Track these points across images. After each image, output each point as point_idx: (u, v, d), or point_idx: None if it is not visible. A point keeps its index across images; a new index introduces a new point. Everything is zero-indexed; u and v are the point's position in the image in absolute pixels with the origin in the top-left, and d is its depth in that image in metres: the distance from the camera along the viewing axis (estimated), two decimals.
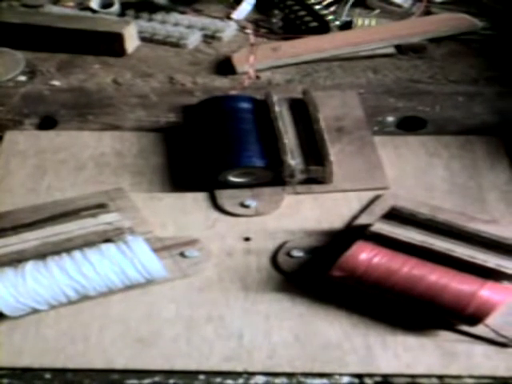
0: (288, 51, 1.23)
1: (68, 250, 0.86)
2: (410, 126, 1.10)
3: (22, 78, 1.20)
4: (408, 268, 0.83)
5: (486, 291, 0.80)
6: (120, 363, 0.81)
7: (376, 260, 0.84)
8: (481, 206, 0.97)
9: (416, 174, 1.02)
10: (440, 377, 0.80)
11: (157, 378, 0.80)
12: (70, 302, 0.85)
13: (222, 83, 1.19)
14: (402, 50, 1.25)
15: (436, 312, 0.82)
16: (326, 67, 1.22)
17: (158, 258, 0.86)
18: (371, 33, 1.27)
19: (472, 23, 1.27)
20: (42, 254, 0.86)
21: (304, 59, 1.22)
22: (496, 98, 1.14)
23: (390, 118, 1.11)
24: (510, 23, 1.29)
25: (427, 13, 1.32)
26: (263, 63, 1.20)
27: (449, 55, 1.24)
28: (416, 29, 1.27)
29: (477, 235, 0.87)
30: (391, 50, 1.24)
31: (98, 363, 0.81)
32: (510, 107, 1.12)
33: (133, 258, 0.84)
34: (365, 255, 0.85)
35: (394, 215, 0.90)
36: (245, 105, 1.05)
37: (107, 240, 0.87)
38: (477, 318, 0.80)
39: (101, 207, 0.93)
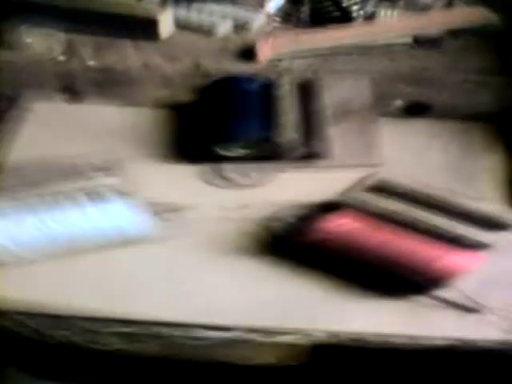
0: (309, 40, 1.29)
1: (63, 206, 0.95)
2: (415, 110, 1.16)
3: (61, 58, 1.27)
4: (379, 235, 0.90)
5: (454, 256, 0.87)
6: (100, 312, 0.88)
7: (351, 226, 0.91)
8: (470, 184, 1.02)
9: (414, 154, 1.07)
10: (412, 337, 0.85)
11: (136, 328, 0.87)
12: (61, 253, 0.92)
13: (242, 68, 1.25)
14: (419, 41, 1.30)
15: (407, 275, 0.87)
16: (345, 54, 1.27)
17: (143, 220, 0.95)
18: (391, 24, 1.33)
19: (488, 17, 1.31)
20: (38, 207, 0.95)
21: (324, 47, 1.28)
22: (501, 88, 1.18)
23: (398, 103, 1.17)
24: None
25: (449, 5, 1.37)
26: (285, 51, 1.27)
27: (463, 47, 1.29)
28: (434, 21, 1.32)
29: (456, 208, 0.94)
30: (408, 41, 1.30)
31: (79, 312, 0.88)
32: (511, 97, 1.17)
33: (118, 217, 0.94)
34: (336, 221, 0.92)
35: (380, 188, 0.98)
36: (253, 84, 1.13)
37: (102, 199, 0.96)
38: (441, 279, 0.86)
39: (103, 170, 1.01)
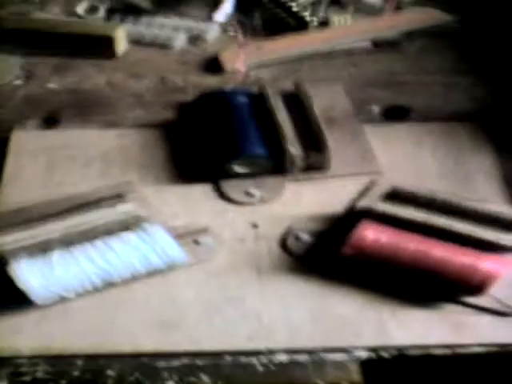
0: (271, 49, 1.27)
1: (90, 239, 0.89)
2: (395, 114, 1.15)
3: (18, 82, 1.21)
4: (414, 245, 0.88)
5: (488, 263, 0.85)
6: (148, 347, 0.84)
7: (383, 238, 0.88)
8: (469, 188, 1.02)
9: (404, 161, 1.06)
10: (450, 347, 0.84)
11: (184, 360, 0.83)
12: (96, 290, 0.88)
13: (212, 81, 1.22)
14: (378, 45, 1.30)
15: (443, 285, 0.87)
16: (308, 64, 1.26)
17: (177, 244, 0.90)
18: (348, 29, 1.32)
19: (442, 17, 1.33)
20: (66, 243, 0.88)
21: (287, 56, 1.26)
22: (471, 86, 1.20)
23: (376, 108, 1.15)
24: (476, 16, 1.34)
25: (398, 9, 1.37)
26: (248, 61, 1.24)
27: (422, 49, 1.29)
28: (389, 24, 1.33)
29: (472, 211, 0.92)
30: (368, 44, 1.29)
31: (127, 348, 0.84)
32: (484, 94, 1.18)
33: (153, 245, 0.88)
34: (373, 234, 0.89)
35: (394, 195, 0.95)
36: (242, 98, 1.09)
37: (127, 228, 0.90)
38: (481, 288, 0.85)
39: (118, 197, 0.96)
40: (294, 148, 1.00)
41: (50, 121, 1.14)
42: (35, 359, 0.83)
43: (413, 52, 1.29)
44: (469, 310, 0.87)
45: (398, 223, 0.91)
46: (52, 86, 1.21)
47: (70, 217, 0.92)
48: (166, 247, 0.88)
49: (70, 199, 0.96)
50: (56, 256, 0.86)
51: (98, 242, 0.88)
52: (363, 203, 0.98)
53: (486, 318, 0.86)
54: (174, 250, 0.89)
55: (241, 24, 1.35)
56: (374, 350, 0.84)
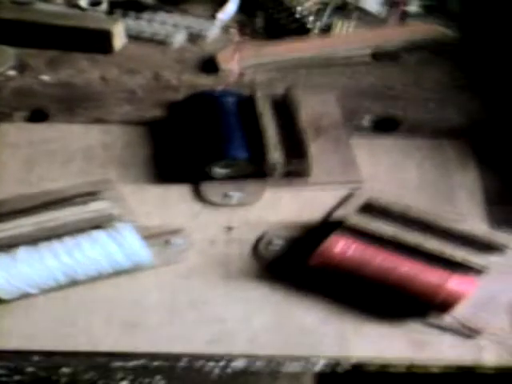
0: (270, 51, 1.27)
1: (59, 236, 0.89)
2: (385, 127, 1.14)
3: (12, 73, 1.22)
4: (380, 259, 0.88)
5: (454, 282, 0.85)
6: (106, 346, 0.85)
7: (350, 251, 0.89)
8: (450, 203, 1.01)
9: (389, 173, 1.06)
10: (409, 366, 0.85)
11: (142, 361, 0.84)
12: (60, 286, 0.88)
13: (206, 81, 1.22)
14: (376, 57, 1.29)
15: (407, 301, 0.87)
16: (305, 69, 1.25)
17: (145, 245, 0.90)
18: (348, 38, 1.32)
19: (443, 33, 1.32)
20: (34, 239, 0.89)
21: (285, 59, 1.26)
22: (465, 102, 1.19)
23: (366, 120, 1.15)
24: (477, 33, 1.33)
25: (402, 20, 1.37)
26: (246, 62, 1.24)
27: (421, 63, 1.28)
28: (390, 35, 1.32)
29: (446, 229, 0.92)
30: (367, 57, 1.29)
31: (85, 346, 0.85)
32: (478, 111, 1.17)
33: (122, 244, 0.88)
34: (340, 246, 0.89)
35: (369, 208, 0.95)
36: (230, 100, 1.09)
37: (97, 227, 0.91)
38: (445, 306, 0.85)
39: (91, 195, 0.96)
40: (275, 153, 1.00)
41: (39, 114, 1.14)
42: None
43: (411, 65, 1.28)
44: (432, 329, 0.87)
45: (370, 236, 0.91)
46: (45, 78, 1.21)
47: (41, 213, 0.92)
48: (133, 247, 0.89)
49: (45, 195, 0.97)
50: (22, 251, 0.87)
51: (66, 239, 0.89)
52: (338, 214, 0.99)
53: (448, 338, 0.87)
54: (141, 251, 0.89)
55: (242, 25, 1.35)
56: (331, 360, 0.84)
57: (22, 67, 1.23)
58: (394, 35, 1.33)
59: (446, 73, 1.26)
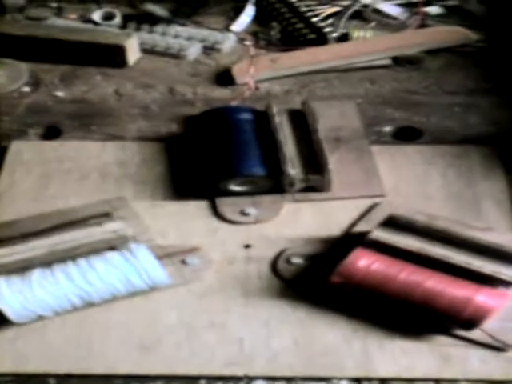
0: (286, 63, 1.25)
1: (74, 258, 0.87)
2: (406, 136, 1.12)
3: (26, 89, 1.21)
4: (405, 274, 0.85)
5: (482, 297, 0.82)
6: (123, 369, 0.83)
7: (374, 267, 0.86)
8: (476, 213, 0.98)
9: (412, 183, 1.03)
10: (436, 380, 0.81)
11: (159, 383, 0.82)
12: (75, 309, 0.86)
13: (222, 94, 1.20)
14: (398, 61, 1.26)
15: (433, 317, 0.84)
16: (323, 78, 1.23)
17: (161, 266, 0.87)
18: (368, 45, 1.29)
19: (467, 35, 1.29)
20: (48, 261, 0.87)
21: (302, 70, 1.24)
22: (491, 108, 1.16)
23: (387, 128, 1.12)
24: (502, 35, 1.30)
25: (423, 25, 1.33)
26: (262, 74, 1.22)
27: (444, 67, 1.26)
28: (412, 41, 1.29)
29: (473, 242, 0.89)
30: (388, 62, 1.26)
31: (101, 369, 0.83)
32: (505, 118, 1.14)
33: (137, 266, 0.86)
34: (363, 262, 0.86)
35: (392, 222, 0.92)
36: (246, 115, 1.07)
37: (112, 248, 0.89)
38: (472, 322, 0.81)
39: (105, 216, 0.95)
40: (292, 169, 0.98)
41: (53, 131, 1.13)
42: (7, 377, 0.82)
43: (434, 70, 1.25)
44: (459, 343, 0.84)
45: (393, 251, 0.88)
46: (59, 94, 1.20)
47: (55, 234, 0.90)
48: (149, 268, 0.86)
49: (59, 215, 0.96)
50: (36, 274, 0.85)
51: (81, 261, 0.87)
52: (359, 228, 0.96)
53: (477, 353, 0.83)
54: (157, 272, 0.87)
55: (257, 36, 1.33)
56: (355, 380, 0.82)
57: (35, 83, 1.23)
58: (414, 39, 1.30)
59: (470, 77, 1.23)
